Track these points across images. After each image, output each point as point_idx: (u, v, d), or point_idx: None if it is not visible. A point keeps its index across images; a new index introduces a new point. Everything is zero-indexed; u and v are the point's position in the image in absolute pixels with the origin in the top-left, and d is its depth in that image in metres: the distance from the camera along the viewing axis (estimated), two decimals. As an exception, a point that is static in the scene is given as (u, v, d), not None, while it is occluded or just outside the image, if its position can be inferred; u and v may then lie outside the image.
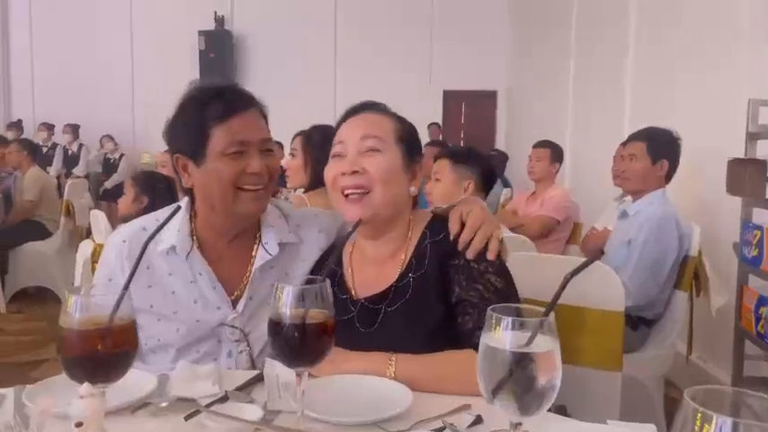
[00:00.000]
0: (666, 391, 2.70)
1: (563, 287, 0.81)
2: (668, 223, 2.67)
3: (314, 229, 1.54)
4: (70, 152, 9.61)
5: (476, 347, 1.24)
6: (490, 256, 1.33)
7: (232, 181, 1.36)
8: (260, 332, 1.44)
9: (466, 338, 1.30)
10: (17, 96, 11.06)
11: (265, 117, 1.46)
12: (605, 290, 1.73)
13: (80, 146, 9.66)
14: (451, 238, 1.36)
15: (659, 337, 2.64)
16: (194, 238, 1.45)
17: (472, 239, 1.35)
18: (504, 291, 1.32)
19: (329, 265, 1.11)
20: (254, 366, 1.44)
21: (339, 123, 1.44)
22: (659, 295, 2.64)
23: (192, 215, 1.47)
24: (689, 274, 2.63)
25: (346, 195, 1.36)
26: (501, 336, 0.82)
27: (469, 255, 1.34)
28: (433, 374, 1.23)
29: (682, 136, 2.91)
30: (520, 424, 0.84)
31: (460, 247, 1.35)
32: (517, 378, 0.81)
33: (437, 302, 1.34)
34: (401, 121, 1.44)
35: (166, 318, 1.42)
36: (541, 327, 0.81)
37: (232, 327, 1.43)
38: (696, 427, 0.56)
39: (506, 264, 1.39)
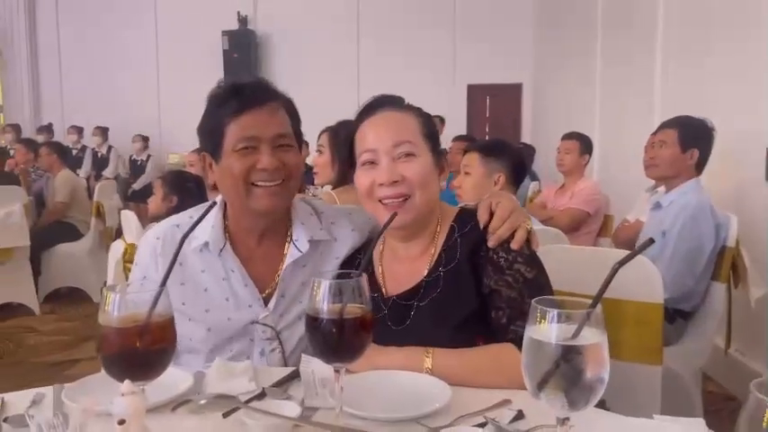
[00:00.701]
0: (704, 385, 2.64)
1: (611, 277, 0.79)
2: (703, 213, 2.61)
3: (347, 227, 1.53)
4: (100, 154, 9.74)
5: (512, 341, 1.24)
6: (514, 245, 1.31)
7: (242, 177, 1.36)
8: (292, 330, 1.44)
9: (501, 333, 1.29)
10: (46, 100, 11.26)
11: (290, 111, 1.44)
12: (643, 281, 1.70)
13: (109, 148, 9.78)
14: (481, 226, 1.35)
15: (697, 331, 2.58)
16: (227, 235, 1.45)
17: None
18: (534, 281, 1.30)
19: (365, 261, 1.10)
20: (286, 364, 1.43)
21: (358, 122, 1.41)
22: (696, 287, 2.58)
23: (226, 213, 1.47)
24: (726, 265, 2.57)
25: (385, 204, 1.35)
26: (546, 328, 0.80)
27: (491, 243, 1.33)
28: (471, 368, 1.22)
29: (716, 123, 2.84)
30: (567, 419, 0.81)
31: (489, 235, 1.34)
32: (564, 372, 0.78)
33: (469, 294, 1.32)
34: (421, 114, 1.42)
35: (198, 316, 1.42)
36: (588, 319, 0.79)
37: (264, 325, 1.42)
38: (765, 421, 0.53)
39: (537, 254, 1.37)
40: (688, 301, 2.59)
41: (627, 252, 0.84)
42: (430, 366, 1.22)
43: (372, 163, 1.36)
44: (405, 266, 1.41)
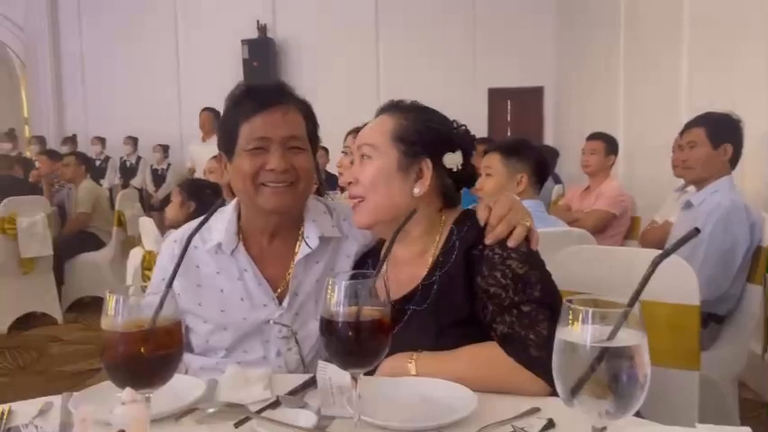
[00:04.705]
0: (739, 392, 2.53)
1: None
2: (737, 212, 2.51)
3: None
4: (129, 164, 9.82)
5: (497, 339, 1.21)
6: (511, 242, 1.28)
7: (251, 177, 1.38)
8: (307, 329, 1.44)
9: (488, 330, 1.26)
10: (70, 112, 11.39)
11: (306, 114, 1.46)
12: (678, 283, 1.62)
13: (138, 158, 9.86)
14: (481, 224, 1.32)
15: (732, 335, 2.47)
16: (240, 235, 1.47)
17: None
18: (523, 277, 1.25)
19: (381, 262, 1.04)
20: (303, 364, 1.43)
21: None
22: (731, 290, 2.47)
23: (240, 214, 1.50)
24: (762, 265, 2.46)
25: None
26: (579, 330, 0.73)
27: (488, 240, 1.29)
28: (454, 374, 1.16)
29: (747, 118, 2.74)
30: (605, 428, 0.74)
31: (486, 232, 1.31)
32: (600, 376, 0.72)
33: (463, 296, 1.29)
34: (412, 116, 1.37)
35: (214, 317, 1.43)
36: (625, 319, 0.72)
37: (280, 324, 1.42)
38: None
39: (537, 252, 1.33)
40: (722, 304, 2.49)
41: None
42: (414, 371, 1.20)
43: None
44: (405, 270, 1.38)
